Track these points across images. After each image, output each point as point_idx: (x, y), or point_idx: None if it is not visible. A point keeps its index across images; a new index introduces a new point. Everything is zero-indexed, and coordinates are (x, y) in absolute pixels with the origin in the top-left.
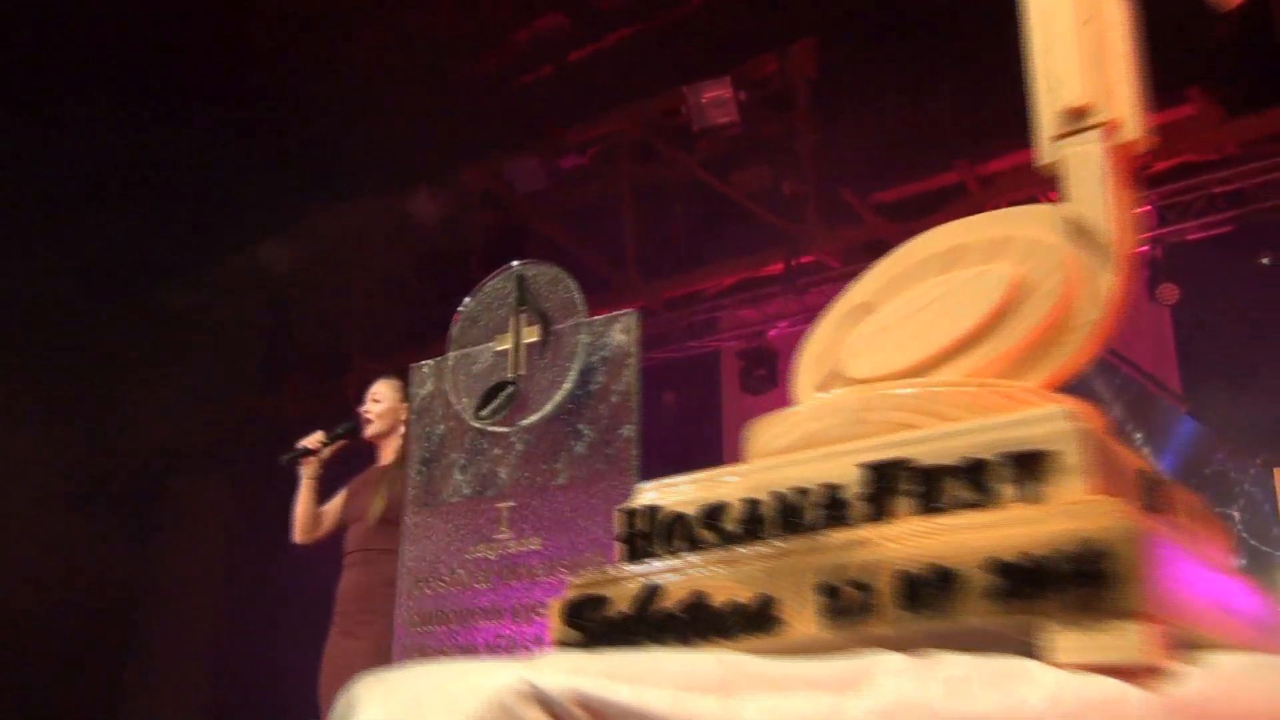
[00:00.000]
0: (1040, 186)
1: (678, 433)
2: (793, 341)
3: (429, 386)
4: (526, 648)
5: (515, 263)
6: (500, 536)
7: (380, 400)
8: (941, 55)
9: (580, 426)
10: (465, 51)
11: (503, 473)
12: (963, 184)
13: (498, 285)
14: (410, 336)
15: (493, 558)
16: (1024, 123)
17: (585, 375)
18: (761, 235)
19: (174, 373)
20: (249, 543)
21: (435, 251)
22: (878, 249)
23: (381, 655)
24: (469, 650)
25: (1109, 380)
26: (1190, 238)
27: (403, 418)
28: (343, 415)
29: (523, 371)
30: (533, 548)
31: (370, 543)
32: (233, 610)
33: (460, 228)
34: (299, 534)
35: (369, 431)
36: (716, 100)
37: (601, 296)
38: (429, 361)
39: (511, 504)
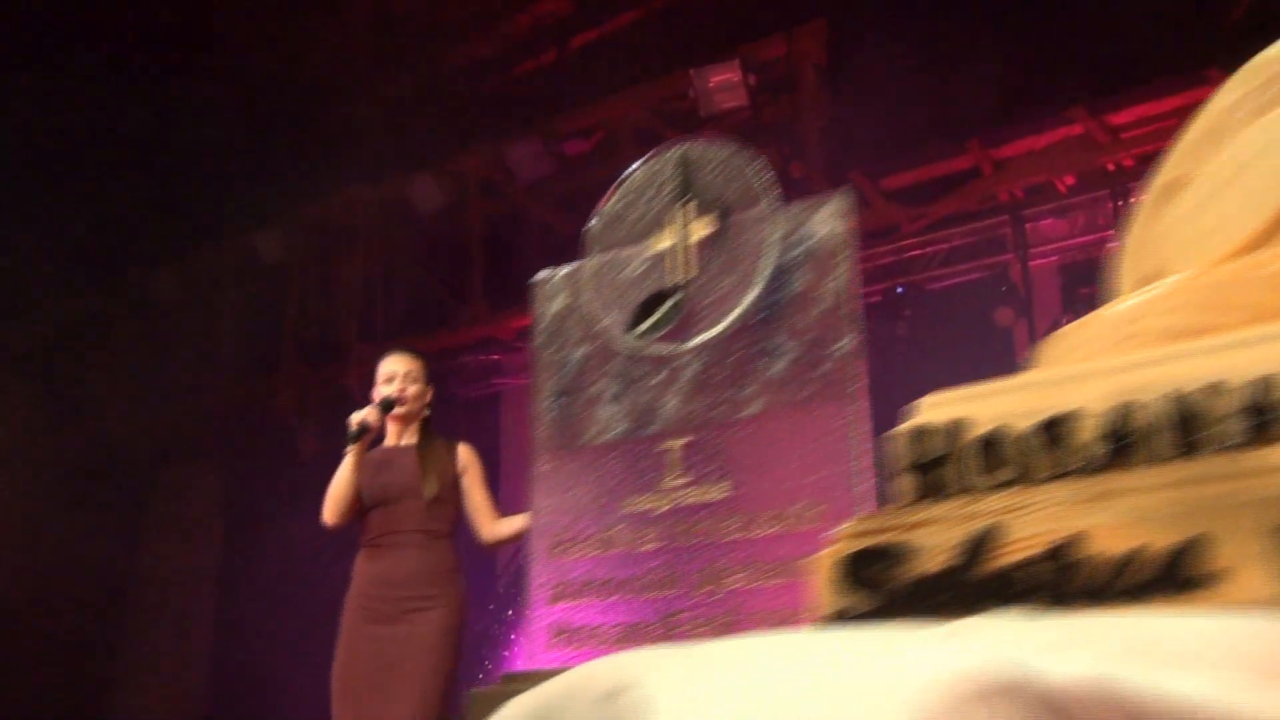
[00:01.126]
0: (1055, 171)
1: None
2: None
3: (559, 302)
4: (730, 625)
5: (675, 146)
6: (671, 484)
7: (417, 380)
8: (953, 36)
9: (777, 341)
10: (465, 37)
11: (669, 404)
12: (976, 168)
13: (650, 172)
14: (408, 324)
15: (661, 510)
16: (1037, 104)
17: (780, 276)
18: None
19: (164, 361)
20: (241, 533)
21: (433, 238)
22: (888, 234)
23: (442, 645)
24: (636, 630)
25: None
26: None
27: (428, 399)
28: (339, 403)
29: (692, 275)
30: (718, 496)
31: (424, 524)
32: (224, 602)
33: (459, 215)
34: (337, 515)
35: (402, 410)
36: (724, 84)
37: None
38: (557, 271)
39: (684, 442)
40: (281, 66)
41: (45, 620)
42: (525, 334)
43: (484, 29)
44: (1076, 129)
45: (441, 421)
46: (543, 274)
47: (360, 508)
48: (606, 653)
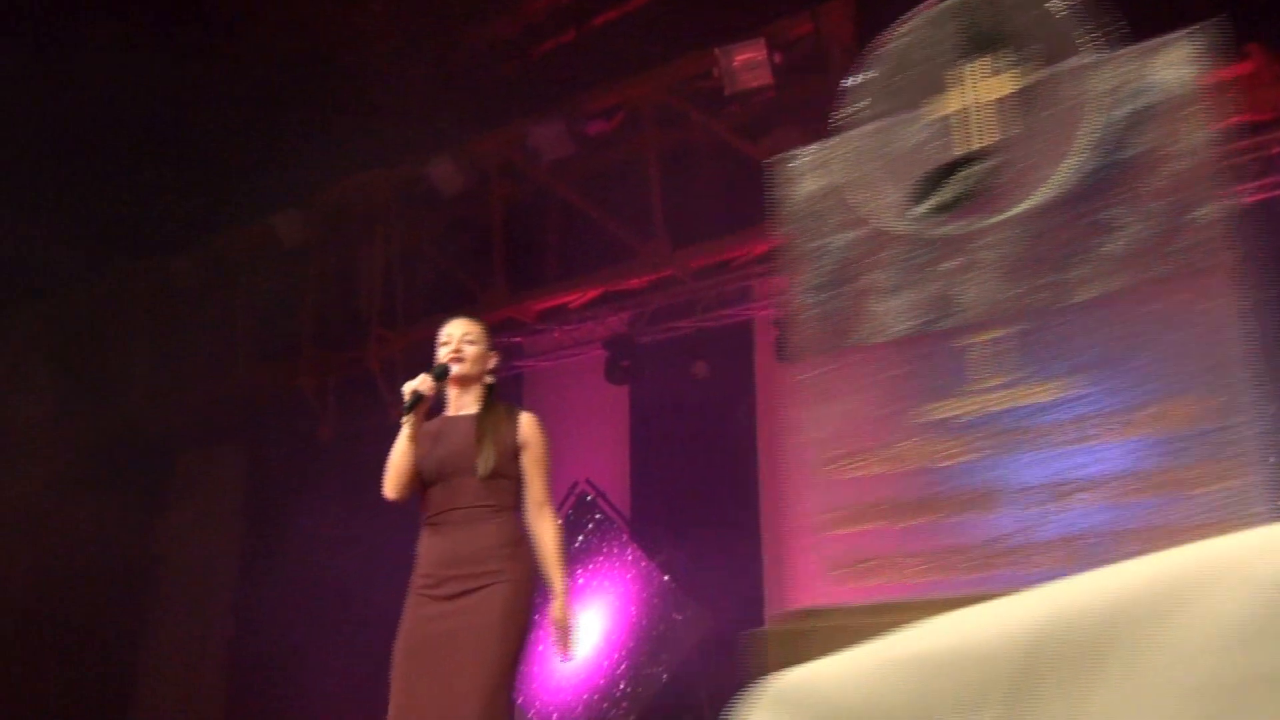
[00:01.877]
0: None
1: (710, 402)
2: None
3: (811, 184)
4: (1079, 548)
5: None
6: (980, 385)
7: (475, 342)
8: None
9: (1113, 212)
10: (485, 17)
11: (968, 292)
12: None
13: (927, 21)
14: (428, 307)
15: (969, 417)
16: None
17: (1112, 136)
18: None
19: (185, 343)
20: (262, 516)
21: (454, 221)
22: None
23: (504, 623)
24: (944, 557)
25: None
26: (1249, 199)
27: (490, 365)
28: (361, 386)
29: (989, 141)
30: (1049, 396)
31: (482, 499)
32: (245, 586)
33: (480, 197)
34: (395, 489)
35: (459, 371)
36: (750, 63)
37: (628, 265)
38: (805, 150)
39: (995, 335)
40: (301, 48)
41: (67, 604)
42: (547, 316)
43: (504, 9)
44: None
45: None
46: (784, 155)
47: (421, 481)
48: (908, 584)
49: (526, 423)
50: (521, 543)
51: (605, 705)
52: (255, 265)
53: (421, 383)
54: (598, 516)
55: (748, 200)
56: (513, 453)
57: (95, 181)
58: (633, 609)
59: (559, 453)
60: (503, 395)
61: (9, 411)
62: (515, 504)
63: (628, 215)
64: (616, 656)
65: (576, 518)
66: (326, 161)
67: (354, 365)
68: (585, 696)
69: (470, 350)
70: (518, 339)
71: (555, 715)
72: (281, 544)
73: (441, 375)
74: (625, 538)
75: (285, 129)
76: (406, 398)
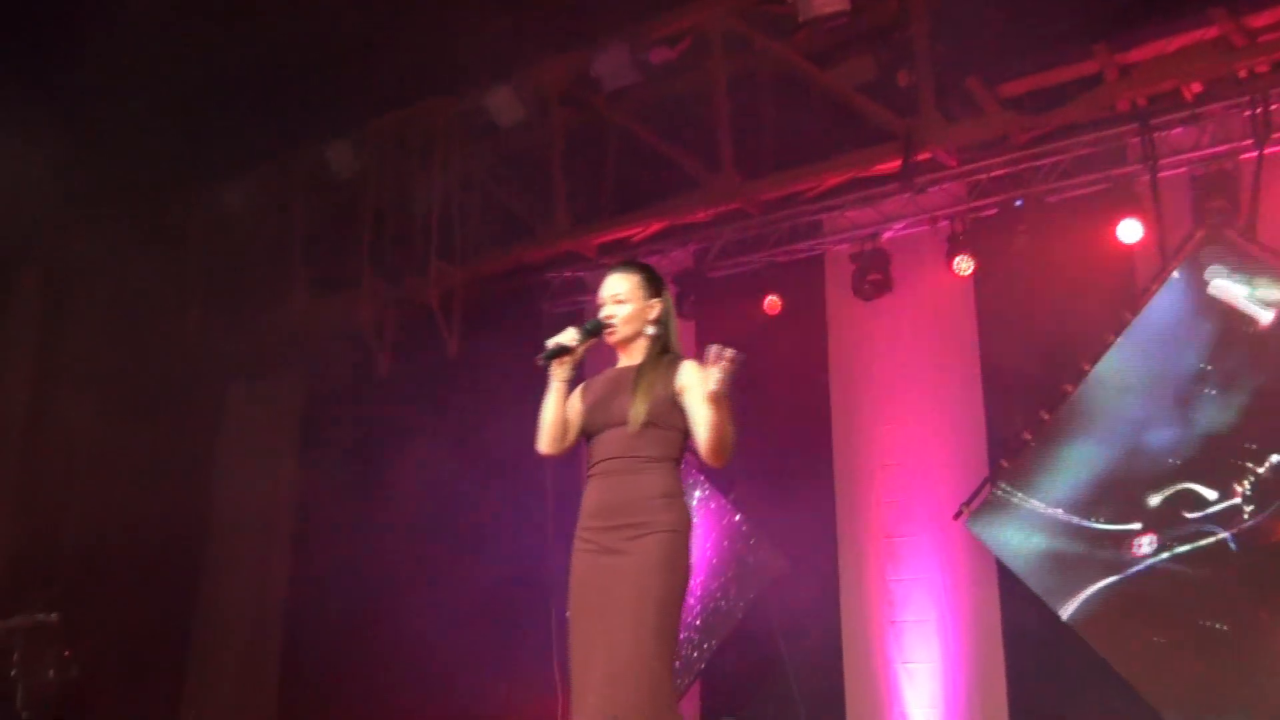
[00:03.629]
0: (1182, 77)
1: (781, 339)
2: (909, 245)
3: None
4: None
5: None
6: None
7: (624, 300)
8: None
9: None
10: None
11: None
12: (1100, 74)
13: None
14: (487, 240)
15: None
16: (1175, 3)
17: None
18: (869, 132)
19: (239, 274)
20: (320, 456)
21: (514, 151)
22: (1001, 146)
23: (658, 574)
24: None
25: None
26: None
27: (651, 316)
28: (420, 320)
29: None
30: None
31: (635, 449)
32: (304, 530)
33: (540, 127)
34: (549, 444)
35: (614, 338)
36: None
37: (694, 198)
38: None
39: None
40: None
41: (124, 544)
42: (608, 250)
43: None
44: (1211, 31)
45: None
46: None
47: (572, 436)
48: None
49: (686, 368)
50: (677, 494)
51: (683, 643)
52: (310, 196)
53: (565, 335)
54: None
55: (818, 131)
56: (669, 403)
57: (146, 109)
58: (706, 547)
59: None
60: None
61: (61, 339)
62: (673, 455)
63: (693, 146)
64: (691, 595)
65: None
66: (382, 90)
67: (412, 298)
68: None
69: (621, 312)
70: (580, 273)
71: None
72: (341, 481)
73: (593, 332)
74: (697, 475)
75: (339, 57)
76: (548, 348)
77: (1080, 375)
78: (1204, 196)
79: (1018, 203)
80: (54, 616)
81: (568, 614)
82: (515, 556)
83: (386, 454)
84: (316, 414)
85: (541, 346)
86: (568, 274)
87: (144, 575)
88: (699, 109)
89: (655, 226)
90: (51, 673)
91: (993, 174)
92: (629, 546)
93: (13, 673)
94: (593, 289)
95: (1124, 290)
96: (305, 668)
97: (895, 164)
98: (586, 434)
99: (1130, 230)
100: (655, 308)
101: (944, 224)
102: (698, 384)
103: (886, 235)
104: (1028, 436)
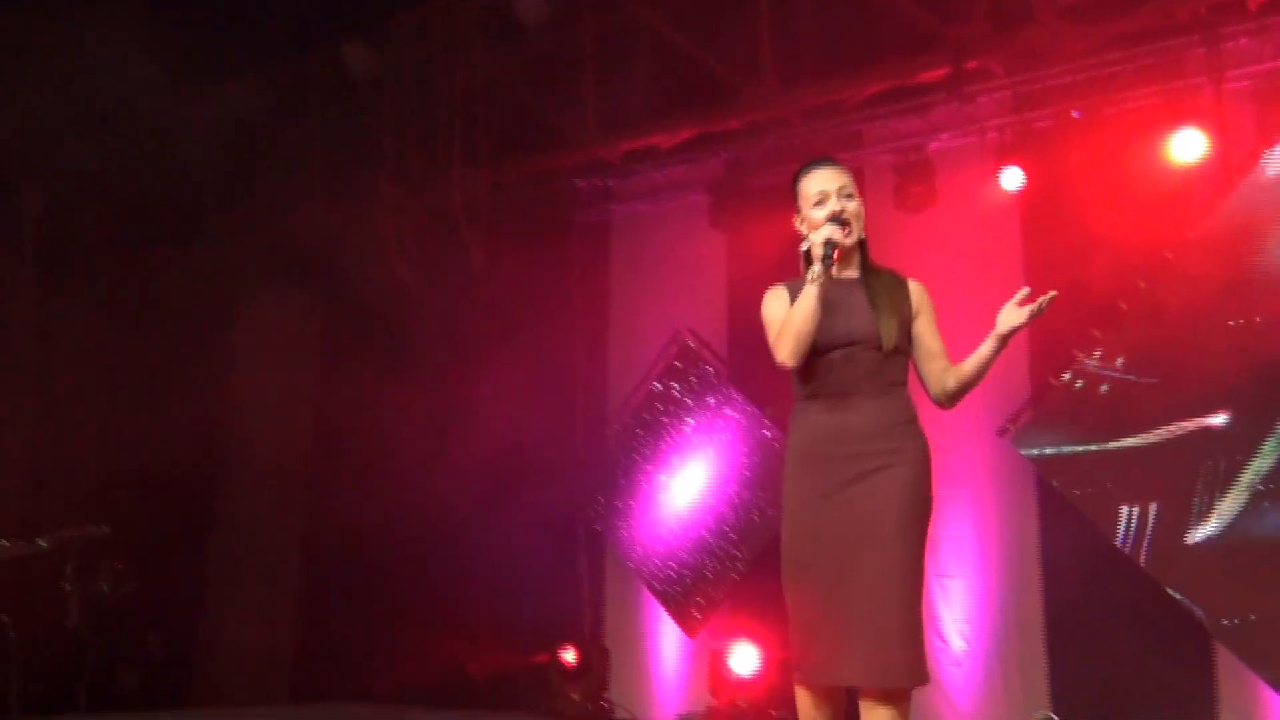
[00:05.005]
0: None
1: None
2: (955, 156)
3: None
4: None
5: None
6: None
7: (855, 195)
8: None
9: None
10: None
11: None
12: None
13: None
14: (512, 144)
15: None
16: None
17: None
18: (915, 38)
19: (252, 180)
20: (340, 373)
21: (540, 52)
22: (1055, 56)
23: (912, 508)
24: None
25: None
26: None
27: (863, 218)
28: (442, 228)
29: None
30: None
31: (880, 371)
32: (324, 455)
33: (567, 26)
34: (796, 355)
35: (850, 239)
36: None
37: (731, 106)
38: None
39: None
40: None
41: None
42: (635, 157)
43: None
44: None
45: (552, 247)
46: None
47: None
48: None
49: (916, 290)
50: (916, 420)
51: (712, 555)
52: (326, 99)
53: (834, 232)
54: (707, 369)
55: (860, 38)
56: (908, 324)
57: (157, 7)
58: (740, 458)
59: (652, 302)
60: (591, 240)
61: (66, 256)
62: (907, 379)
63: (729, 51)
64: (724, 507)
65: (682, 367)
66: None
67: (435, 205)
68: (691, 545)
69: (852, 207)
70: (609, 181)
71: (658, 561)
72: (363, 400)
73: (834, 223)
74: (731, 389)
75: None
76: (819, 248)
77: (1136, 292)
78: (1268, 110)
79: (1075, 114)
80: (104, 528)
81: (786, 549)
82: (557, 486)
83: (414, 373)
84: (336, 330)
85: (801, 254)
86: (597, 182)
87: (159, 496)
88: (735, 11)
89: (687, 134)
90: (105, 585)
91: (1046, 84)
92: (876, 478)
93: (66, 585)
94: (620, 199)
95: (1182, 207)
96: (324, 594)
97: (942, 72)
98: (814, 351)
99: (1190, 145)
100: (863, 209)
101: (992, 135)
102: (930, 306)
103: (932, 146)
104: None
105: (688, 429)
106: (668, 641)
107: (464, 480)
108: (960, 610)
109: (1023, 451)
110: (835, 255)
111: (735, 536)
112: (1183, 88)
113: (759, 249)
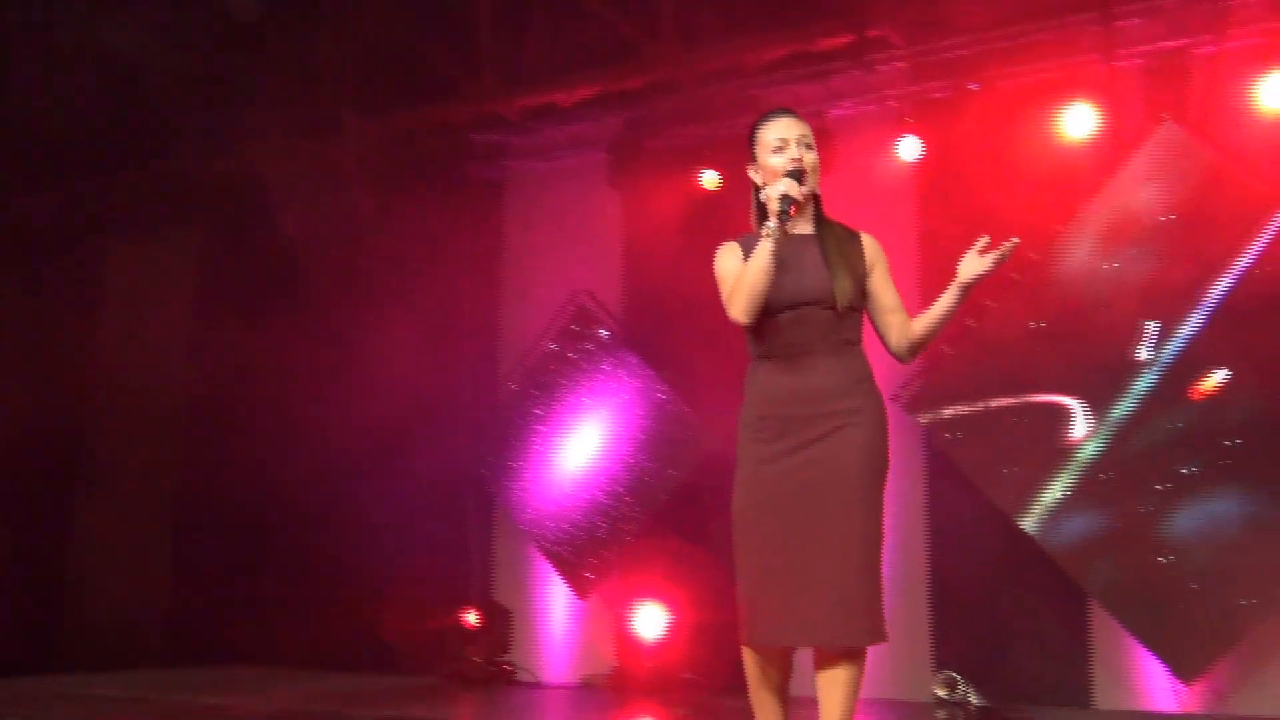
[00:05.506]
0: None
1: (715, 216)
2: (855, 124)
3: None
4: None
5: None
6: None
7: (813, 146)
8: None
9: None
10: None
11: None
12: None
13: None
14: (406, 95)
15: None
16: None
17: None
18: (817, 5)
19: (128, 120)
20: (222, 322)
21: (435, 4)
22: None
23: (870, 470)
24: None
25: None
26: None
27: (818, 174)
28: (330, 181)
29: None
30: None
31: (836, 330)
32: (205, 406)
33: None
34: (749, 313)
35: (806, 190)
36: None
37: (630, 65)
38: None
39: None
40: None
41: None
42: (533, 114)
43: None
44: None
45: (446, 202)
46: None
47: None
48: None
49: (870, 245)
50: (872, 378)
51: (605, 517)
52: (211, 38)
53: (791, 187)
54: (603, 331)
55: (763, 2)
56: (862, 281)
57: None
58: (635, 421)
59: (546, 260)
60: (486, 197)
61: None
62: (861, 337)
63: (630, 9)
64: (618, 468)
65: (578, 328)
66: None
67: (323, 154)
68: (584, 506)
69: (809, 158)
70: (505, 137)
71: (550, 522)
72: (243, 347)
73: (795, 180)
74: (626, 350)
75: None
76: (775, 204)
77: (1028, 264)
78: (1156, 89)
79: (973, 86)
80: None
81: (739, 510)
82: (449, 446)
83: (300, 326)
84: (219, 277)
85: (760, 207)
86: (493, 137)
87: (25, 447)
88: None
89: (586, 92)
90: None
91: (945, 55)
92: (834, 439)
93: None
94: (515, 155)
95: (1073, 182)
96: (205, 552)
97: (843, 40)
98: (766, 310)
99: (1082, 120)
100: (819, 162)
101: (892, 105)
102: (884, 260)
103: (832, 113)
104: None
105: (582, 390)
106: (572, 604)
107: (353, 438)
108: None
109: (913, 417)
110: (792, 211)
111: (629, 498)
112: (1076, 64)
113: (657, 210)
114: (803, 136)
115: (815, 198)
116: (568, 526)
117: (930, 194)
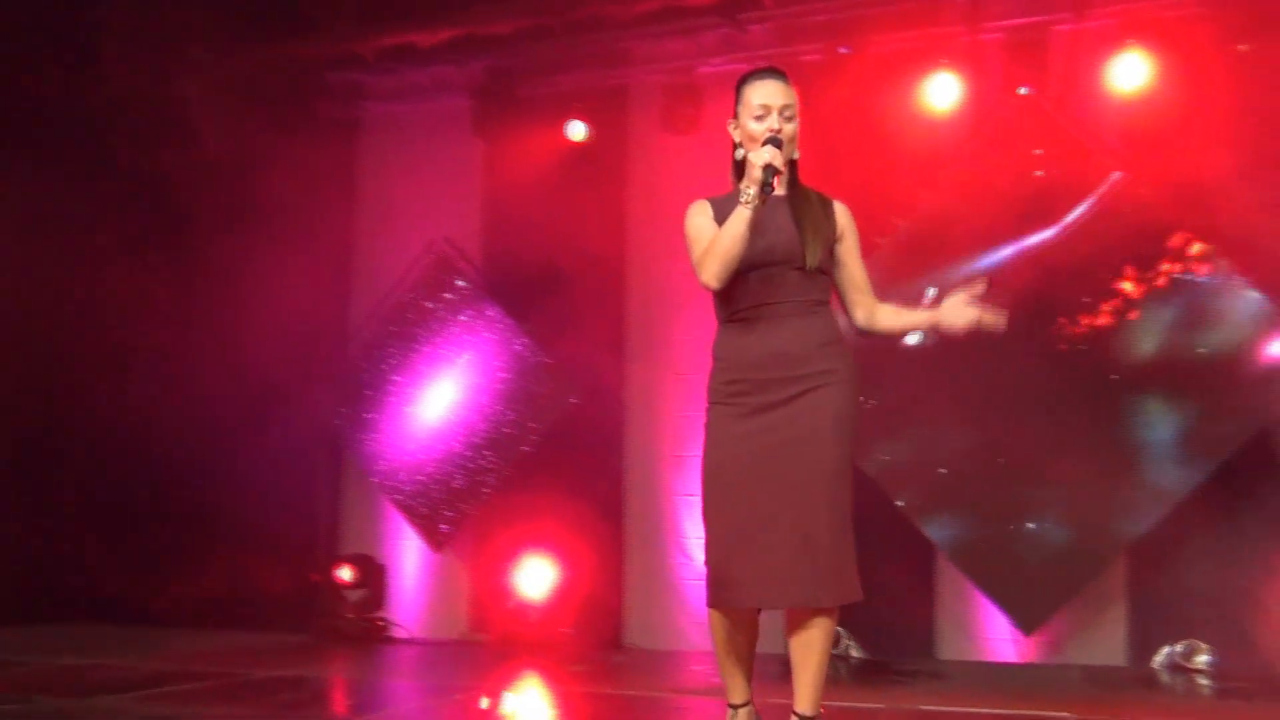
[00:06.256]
0: None
1: (580, 168)
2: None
3: None
4: None
5: None
6: None
7: (793, 118)
8: None
9: None
10: None
11: None
12: None
13: None
14: (257, 29)
15: None
16: None
17: None
18: None
19: None
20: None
21: None
22: None
23: (842, 431)
24: None
25: None
26: None
27: (795, 144)
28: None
29: None
30: None
31: (805, 293)
32: (46, 344)
33: None
34: (721, 278)
35: (782, 157)
36: None
37: (495, 9)
38: None
39: None
40: None
41: None
42: (391, 54)
43: None
44: None
45: (299, 143)
46: None
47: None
48: None
49: (842, 212)
50: (842, 340)
51: (463, 470)
52: None
53: (775, 157)
54: (462, 281)
55: None
56: (831, 244)
57: None
58: (494, 372)
59: (405, 207)
60: (340, 137)
61: None
62: (830, 298)
63: None
64: (477, 420)
65: (437, 277)
66: None
67: (169, 86)
68: (440, 458)
69: (789, 129)
70: (359, 75)
71: (404, 475)
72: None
73: (774, 146)
74: (487, 301)
75: None
76: (757, 172)
77: (893, 230)
78: (1015, 62)
79: (843, 50)
80: None
81: (709, 472)
82: (303, 397)
83: (140, 267)
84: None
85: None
86: (349, 76)
87: None
88: None
89: (447, 34)
90: None
91: (815, 18)
92: (808, 399)
93: None
94: (371, 96)
95: (937, 149)
96: (60, 502)
97: None
98: (739, 270)
99: (946, 89)
100: (798, 132)
101: (761, 65)
102: (854, 232)
103: (701, 70)
104: None
105: (440, 341)
106: (449, 561)
107: (211, 386)
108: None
109: None
110: (774, 182)
111: (489, 451)
112: (942, 34)
113: (522, 160)
114: (786, 107)
115: (792, 163)
116: (423, 479)
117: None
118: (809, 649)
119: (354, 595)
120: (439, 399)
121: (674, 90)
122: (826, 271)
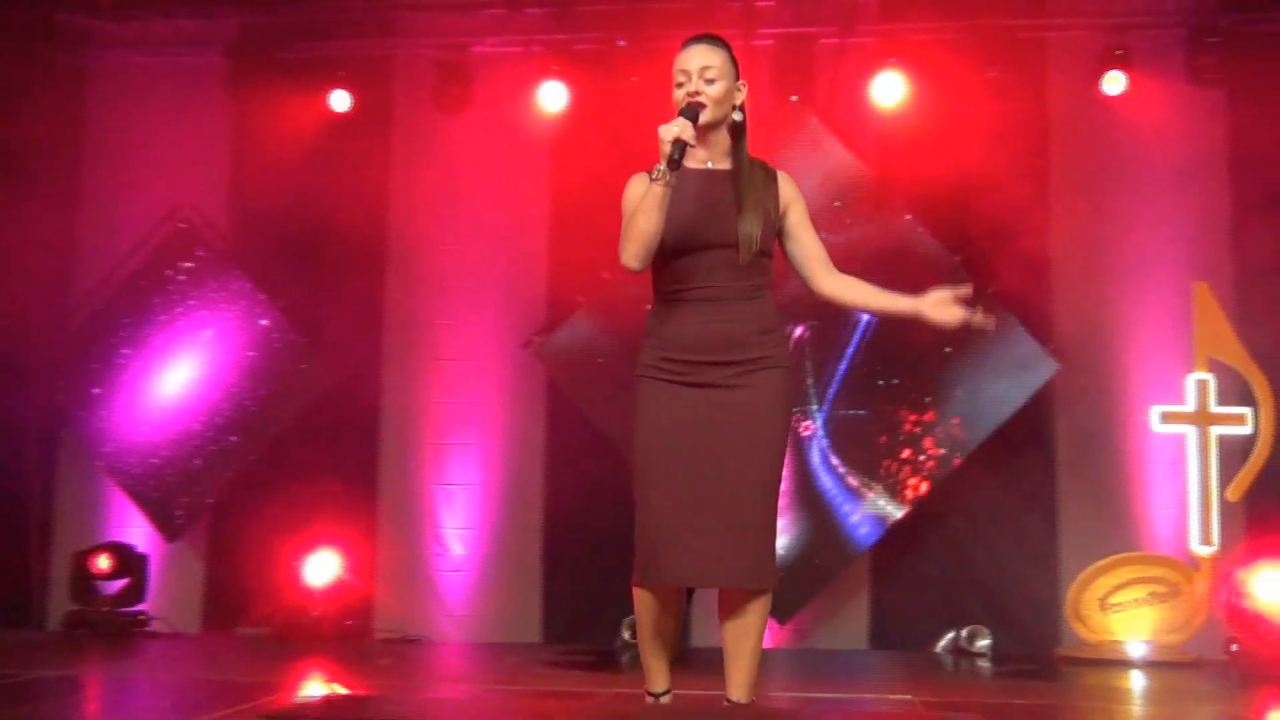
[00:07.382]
0: None
1: (343, 138)
2: (498, 64)
3: None
4: None
5: None
6: None
7: (716, 79)
8: None
9: None
10: None
11: None
12: None
13: None
14: None
15: None
16: None
17: None
18: None
19: None
20: None
21: None
22: None
23: (780, 414)
24: None
25: None
26: None
27: (739, 100)
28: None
29: None
30: None
31: (743, 275)
32: None
33: None
34: (639, 258)
35: (703, 119)
36: None
37: None
38: None
39: None
40: None
41: None
42: (125, 4)
43: None
44: None
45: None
46: None
47: (662, 250)
48: None
49: (786, 183)
50: (782, 326)
51: (203, 452)
52: None
53: (684, 129)
54: (199, 251)
55: None
56: (773, 226)
57: None
58: (239, 348)
59: (140, 166)
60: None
61: None
62: (770, 282)
63: None
64: (219, 398)
65: (175, 244)
66: None
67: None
68: (178, 438)
69: (712, 91)
70: (89, 21)
71: (135, 458)
72: None
73: (693, 119)
74: (233, 272)
75: None
76: (668, 147)
77: None
78: (782, 70)
79: (622, 42)
80: None
81: (642, 449)
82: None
83: None
84: None
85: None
86: (80, 20)
87: None
88: None
89: None
90: None
91: (595, 7)
92: (744, 382)
93: None
94: (101, 43)
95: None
96: None
97: None
98: (668, 251)
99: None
100: (743, 91)
101: (537, 50)
102: (800, 200)
103: (475, 49)
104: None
105: (180, 312)
106: (216, 550)
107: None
108: (462, 517)
109: (546, 361)
110: (681, 156)
111: (233, 434)
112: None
113: (276, 126)
114: (706, 68)
115: (739, 129)
116: (157, 462)
117: (567, 146)
118: (745, 634)
119: (109, 586)
120: (177, 376)
121: (446, 67)
122: (768, 254)
